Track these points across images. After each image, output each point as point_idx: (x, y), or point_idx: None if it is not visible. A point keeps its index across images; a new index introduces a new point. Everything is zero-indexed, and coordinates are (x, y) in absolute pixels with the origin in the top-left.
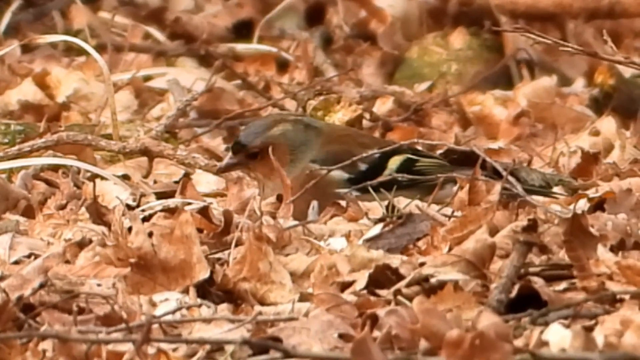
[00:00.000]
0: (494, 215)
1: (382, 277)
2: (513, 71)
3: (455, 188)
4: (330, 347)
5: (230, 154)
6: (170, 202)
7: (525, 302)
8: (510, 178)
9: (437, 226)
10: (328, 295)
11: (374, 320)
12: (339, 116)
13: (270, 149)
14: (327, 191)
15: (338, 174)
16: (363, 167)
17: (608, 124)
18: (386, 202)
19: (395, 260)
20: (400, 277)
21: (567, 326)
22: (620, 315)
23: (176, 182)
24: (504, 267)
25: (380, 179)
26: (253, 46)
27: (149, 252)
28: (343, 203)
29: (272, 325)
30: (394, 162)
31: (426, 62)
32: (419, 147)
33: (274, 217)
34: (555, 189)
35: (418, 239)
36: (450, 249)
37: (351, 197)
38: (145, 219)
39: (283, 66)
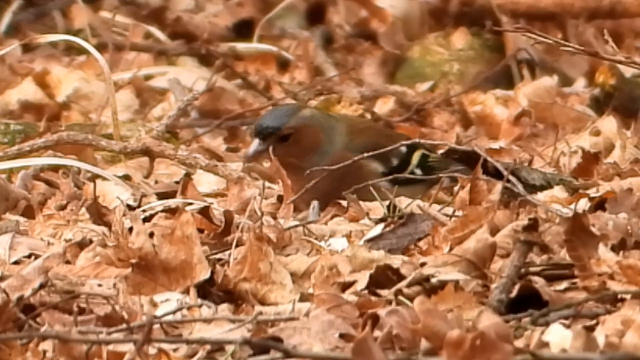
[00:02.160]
0: (494, 215)
1: (383, 277)
2: (514, 71)
3: (448, 181)
4: (331, 347)
5: (257, 140)
6: (171, 203)
7: (526, 302)
8: (511, 178)
9: (438, 226)
10: (329, 295)
11: (375, 320)
12: None
13: (303, 131)
14: (364, 181)
15: (375, 166)
16: (395, 161)
17: (609, 124)
18: (387, 202)
19: (396, 261)
20: (401, 277)
21: (568, 326)
22: (622, 315)
23: (177, 182)
24: (505, 267)
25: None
26: (254, 45)
27: (149, 253)
28: (344, 203)
29: (273, 325)
30: (416, 157)
31: (427, 61)
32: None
33: (274, 218)
34: (556, 189)
35: (419, 239)
36: (451, 249)
37: (386, 187)
38: (146, 220)
39: (284, 66)
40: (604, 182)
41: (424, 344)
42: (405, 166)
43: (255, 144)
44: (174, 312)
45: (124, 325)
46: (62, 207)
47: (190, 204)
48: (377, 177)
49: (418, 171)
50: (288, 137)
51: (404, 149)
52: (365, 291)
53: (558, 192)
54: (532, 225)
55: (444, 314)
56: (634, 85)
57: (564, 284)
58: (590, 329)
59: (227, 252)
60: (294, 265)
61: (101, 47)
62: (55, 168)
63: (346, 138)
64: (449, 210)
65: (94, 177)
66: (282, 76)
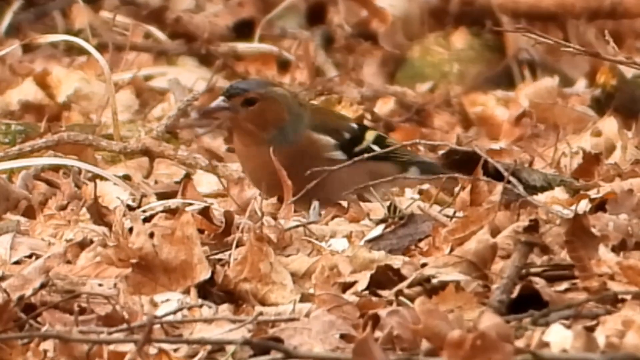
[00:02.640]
0: (495, 216)
1: (384, 278)
2: (515, 71)
3: (416, 171)
4: (332, 347)
5: (221, 98)
6: (171, 203)
7: (526, 303)
8: (512, 179)
9: (438, 227)
10: (329, 295)
11: (376, 321)
12: None
13: (270, 102)
14: (320, 155)
15: (327, 139)
16: (347, 135)
17: (610, 125)
18: (388, 203)
19: (397, 261)
20: (402, 278)
21: (569, 326)
22: (622, 315)
23: (177, 183)
24: (506, 268)
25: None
26: (254, 46)
27: (150, 253)
28: (344, 204)
29: (273, 325)
30: (370, 134)
31: (428, 62)
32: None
33: (274, 218)
34: (557, 190)
35: (420, 240)
36: (451, 250)
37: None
38: (146, 220)
39: (284, 66)
40: (604, 183)
41: (424, 344)
42: (358, 142)
43: (218, 100)
44: (174, 312)
45: (125, 325)
46: (63, 207)
47: (191, 204)
48: (330, 149)
49: (376, 147)
50: (254, 102)
51: (354, 126)
52: (366, 292)
53: (559, 193)
54: (533, 226)
55: (445, 314)
56: (635, 86)
57: (564, 285)
58: (590, 330)
59: (227, 253)
60: (294, 265)
61: (101, 48)
62: (55, 168)
63: (308, 118)
64: (449, 211)
65: (94, 177)
66: (282, 76)
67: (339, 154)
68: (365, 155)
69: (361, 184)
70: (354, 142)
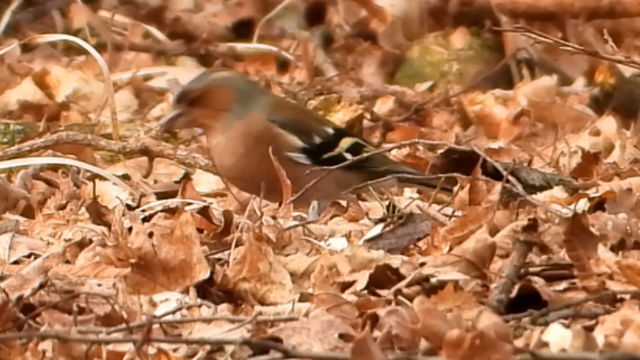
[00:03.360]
0: (494, 215)
1: (383, 277)
2: (513, 71)
3: (394, 180)
4: (331, 347)
5: (173, 107)
6: (171, 202)
7: (525, 302)
8: (511, 178)
9: (437, 226)
10: (328, 295)
11: (375, 320)
12: (340, 116)
13: (213, 91)
14: (280, 152)
15: (293, 139)
16: (318, 140)
17: (608, 124)
18: (387, 202)
19: (395, 261)
20: (401, 277)
21: (568, 326)
22: (621, 315)
23: (176, 182)
24: (504, 267)
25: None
26: (253, 45)
27: (149, 252)
28: (344, 203)
29: (272, 325)
30: (346, 142)
31: (427, 61)
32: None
33: (274, 218)
34: (556, 189)
35: (419, 239)
36: (450, 249)
37: (304, 161)
38: (146, 219)
39: (283, 66)
40: (603, 183)
41: (423, 343)
42: (330, 148)
43: (170, 112)
44: (173, 312)
45: (124, 325)
46: (62, 207)
47: (190, 203)
48: (292, 149)
49: (349, 155)
50: (198, 99)
51: (331, 131)
52: (365, 291)
53: (557, 192)
54: (532, 226)
55: (444, 313)
56: (633, 85)
57: (563, 284)
58: (589, 329)
59: (226, 252)
60: (293, 265)
61: (100, 47)
62: (54, 168)
63: (268, 108)
64: (448, 210)
65: (93, 177)
66: (281, 76)
67: (301, 157)
68: (332, 166)
69: (325, 191)
70: (324, 148)
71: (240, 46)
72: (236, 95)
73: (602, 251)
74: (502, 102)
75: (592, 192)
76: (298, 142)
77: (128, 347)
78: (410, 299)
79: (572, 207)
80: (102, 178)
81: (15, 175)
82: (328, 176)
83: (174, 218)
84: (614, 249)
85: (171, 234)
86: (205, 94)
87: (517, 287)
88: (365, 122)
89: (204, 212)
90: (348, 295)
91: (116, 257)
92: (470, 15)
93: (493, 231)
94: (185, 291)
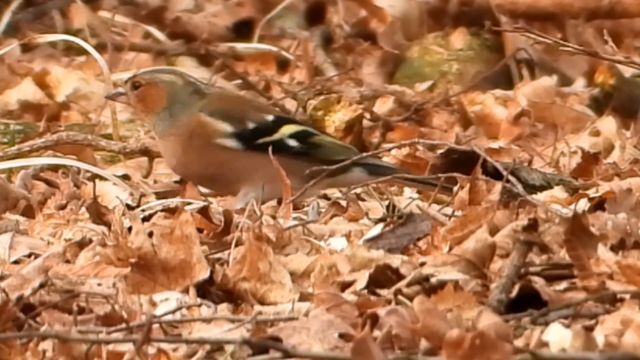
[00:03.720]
0: (494, 215)
1: (383, 277)
2: (513, 71)
3: (361, 172)
4: (331, 347)
5: (122, 84)
6: (170, 202)
7: (525, 302)
8: (511, 178)
9: (437, 226)
10: (328, 295)
11: (374, 320)
12: (340, 116)
13: (149, 88)
14: (210, 141)
15: (222, 126)
16: (251, 125)
17: (608, 124)
18: (387, 202)
19: (395, 260)
20: (401, 277)
21: (568, 326)
22: (621, 314)
23: (176, 182)
24: (505, 267)
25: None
26: (253, 45)
27: (149, 252)
28: (343, 203)
29: (272, 325)
30: (289, 128)
31: (427, 61)
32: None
33: (273, 217)
34: (556, 189)
35: (418, 239)
36: (450, 249)
37: (234, 147)
38: (145, 219)
39: (283, 66)
40: (603, 183)
41: (423, 343)
42: (266, 133)
43: (117, 89)
44: (173, 312)
45: (124, 325)
46: (62, 207)
47: (190, 203)
48: (222, 135)
49: (293, 142)
50: (138, 85)
51: (270, 117)
52: (365, 291)
53: (558, 192)
54: (532, 225)
55: (444, 313)
56: (633, 85)
57: (563, 284)
58: (589, 329)
59: (226, 252)
60: (293, 264)
61: (100, 47)
62: (54, 168)
63: (203, 103)
64: (448, 210)
65: (93, 177)
66: (281, 76)
67: (231, 142)
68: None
69: (264, 179)
70: (259, 132)
71: (241, 46)
72: (165, 99)
73: (602, 251)
74: (502, 102)
75: (592, 192)
76: (227, 127)
77: (128, 347)
78: (410, 299)
79: (572, 207)
80: (102, 178)
81: (16, 176)
82: (261, 162)
83: (174, 218)
84: (614, 248)
85: (171, 233)
86: (144, 87)
87: (517, 287)
88: (365, 122)
89: (204, 211)
90: (348, 295)
91: (116, 256)
92: (470, 15)
93: (493, 231)
94: (185, 291)
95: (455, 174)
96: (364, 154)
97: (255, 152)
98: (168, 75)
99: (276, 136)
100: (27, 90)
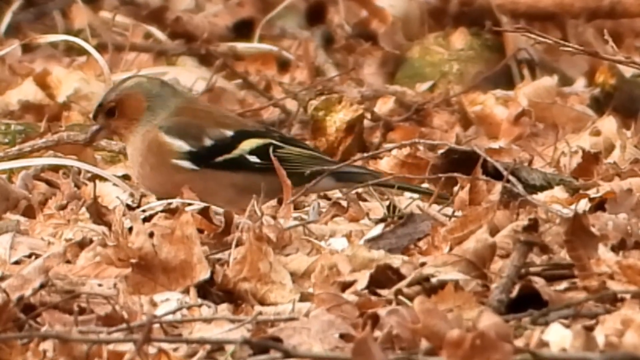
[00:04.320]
0: (494, 215)
1: (383, 277)
2: (514, 71)
3: (329, 180)
4: (331, 347)
5: (93, 122)
6: (171, 203)
7: (526, 302)
8: (511, 178)
9: (437, 226)
10: (329, 295)
11: (375, 320)
12: (340, 116)
13: (125, 101)
14: (166, 160)
15: (179, 144)
16: (208, 142)
17: (609, 124)
18: (387, 202)
19: (396, 260)
20: (401, 277)
21: (568, 326)
22: (621, 314)
23: None
24: (505, 267)
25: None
26: (254, 45)
27: (149, 253)
28: (344, 203)
29: (273, 325)
30: (249, 144)
31: (427, 62)
32: (296, 138)
33: (274, 218)
34: (557, 189)
35: (419, 239)
36: (451, 249)
37: (189, 167)
38: (146, 220)
39: (284, 66)
40: (604, 183)
41: (424, 343)
42: (225, 150)
43: (90, 128)
44: (173, 312)
45: (124, 325)
46: (63, 207)
47: (190, 204)
48: (179, 154)
49: (253, 158)
50: (113, 110)
51: (229, 133)
52: (365, 291)
53: (558, 192)
54: (532, 226)
55: (444, 313)
56: (633, 85)
57: (563, 284)
58: (589, 329)
59: (226, 252)
60: (293, 265)
61: (101, 48)
62: (55, 168)
63: (166, 116)
64: (448, 210)
65: (93, 177)
66: (282, 76)
67: (187, 163)
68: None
69: (221, 196)
70: (217, 150)
71: (241, 46)
72: (147, 102)
73: (603, 251)
74: (502, 102)
75: (592, 192)
76: (184, 146)
77: (129, 347)
78: (411, 299)
79: (572, 207)
80: (102, 178)
81: (16, 176)
82: (221, 180)
83: (175, 218)
84: (614, 249)
85: (172, 234)
86: (118, 104)
87: (517, 287)
88: (366, 122)
89: (204, 212)
90: (348, 295)
91: (117, 257)
92: (471, 15)
93: (493, 231)
94: (186, 291)
95: (455, 174)
96: (340, 164)
97: (214, 170)
98: (131, 80)
99: (235, 152)
100: (28, 91)
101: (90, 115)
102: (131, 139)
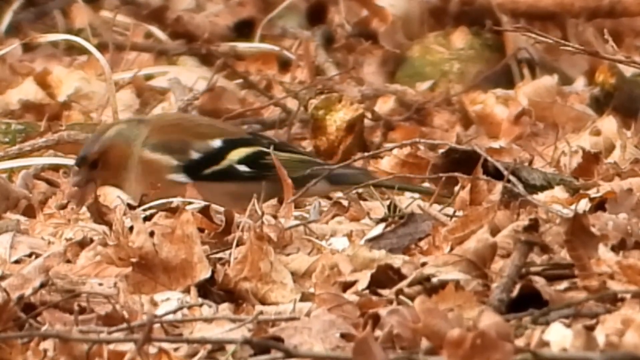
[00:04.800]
0: (495, 215)
1: (384, 277)
2: (514, 70)
3: (321, 183)
4: (332, 346)
5: (75, 171)
6: (172, 202)
7: (526, 302)
8: (512, 178)
9: (438, 226)
10: (330, 295)
11: (376, 320)
12: (341, 115)
13: (109, 151)
14: (161, 177)
15: (166, 159)
16: (196, 155)
17: (609, 124)
18: (388, 202)
19: (397, 260)
20: (402, 277)
21: (568, 325)
22: (622, 314)
23: None
24: (505, 267)
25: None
26: (255, 45)
27: (150, 252)
28: (345, 202)
29: (274, 325)
30: (238, 153)
31: (428, 61)
32: (287, 143)
33: (275, 217)
34: (557, 189)
35: (420, 239)
36: (451, 249)
37: (181, 180)
38: (147, 219)
39: (285, 65)
40: (604, 182)
41: (424, 343)
42: (213, 162)
43: (72, 177)
44: (174, 312)
45: (125, 325)
46: (63, 207)
47: (191, 203)
48: (170, 169)
49: (243, 167)
50: (97, 162)
51: (216, 144)
52: (366, 291)
53: (558, 192)
54: (533, 226)
55: (445, 313)
56: (634, 85)
57: (564, 284)
58: (590, 328)
59: (227, 252)
60: (294, 264)
61: (102, 47)
62: (56, 167)
63: (145, 139)
64: (449, 210)
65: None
66: (283, 76)
67: (180, 177)
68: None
69: (221, 204)
70: (206, 162)
71: (242, 46)
72: (129, 148)
73: (603, 251)
74: (503, 101)
75: (593, 192)
76: (172, 161)
77: (129, 347)
78: (412, 299)
79: (573, 207)
80: None
81: (17, 175)
82: (214, 192)
83: (175, 217)
84: (614, 248)
85: (172, 233)
86: (102, 155)
87: (518, 286)
88: (366, 122)
89: (205, 211)
90: (349, 295)
91: (117, 256)
92: (471, 14)
93: (494, 231)
94: (186, 291)
95: (456, 174)
96: (334, 166)
97: (206, 182)
98: (109, 130)
99: (224, 163)
100: (28, 90)
101: (74, 165)
102: (126, 185)
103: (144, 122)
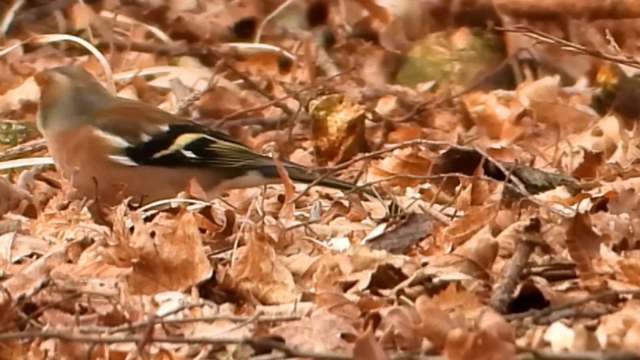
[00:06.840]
0: (496, 215)
1: (385, 277)
2: (516, 71)
3: (256, 175)
4: (333, 347)
5: None
6: (173, 202)
7: (527, 302)
8: (513, 178)
9: (439, 226)
10: (330, 295)
11: (377, 320)
12: (342, 116)
13: (47, 84)
14: (102, 157)
15: (117, 141)
16: (146, 138)
17: (611, 124)
18: (389, 202)
19: (398, 260)
20: (403, 277)
21: (570, 326)
22: (623, 314)
23: None
24: (507, 267)
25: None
26: (255, 45)
27: (151, 252)
28: (346, 203)
29: (275, 325)
30: (184, 139)
31: (429, 61)
32: (223, 132)
33: (276, 217)
34: (558, 189)
35: (421, 239)
36: (452, 249)
37: (126, 162)
38: (148, 219)
39: (285, 65)
40: (605, 183)
41: (425, 343)
42: (162, 146)
43: None
44: (175, 312)
45: (126, 325)
46: (64, 207)
47: (192, 203)
48: (117, 150)
49: (189, 154)
50: (43, 82)
51: (165, 128)
52: (367, 291)
53: (560, 192)
54: (534, 226)
55: (446, 313)
56: (635, 85)
57: (565, 284)
58: (591, 329)
59: (228, 252)
60: (295, 265)
61: (102, 47)
62: (56, 168)
63: (95, 115)
64: (450, 210)
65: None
66: (283, 76)
67: (124, 159)
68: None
69: (156, 192)
70: (155, 146)
71: (242, 46)
72: (57, 100)
73: (604, 251)
74: (504, 102)
75: (594, 192)
76: (122, 142)
77: (130, 347)
78: (413, 299)
79: (574, 207)
80: None
81: (18, 176)
82: (159, 177)
83: (176, 218)
84: (616, 249)
85: (173, 233)
86: (44, 82)
87: (519, 287)
88: (367, 122)
89: (206, 211)
90: (350, 295)
91: (118, 256)
92: (472, 15)
93: (495, 231)
94: (188, 291)
95: (457, 174)
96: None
97: (152, 167)
98: (61, 74)
99: (172, 148)
100: (29, 90)
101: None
102: (46, 133)
103: (100, 93)
